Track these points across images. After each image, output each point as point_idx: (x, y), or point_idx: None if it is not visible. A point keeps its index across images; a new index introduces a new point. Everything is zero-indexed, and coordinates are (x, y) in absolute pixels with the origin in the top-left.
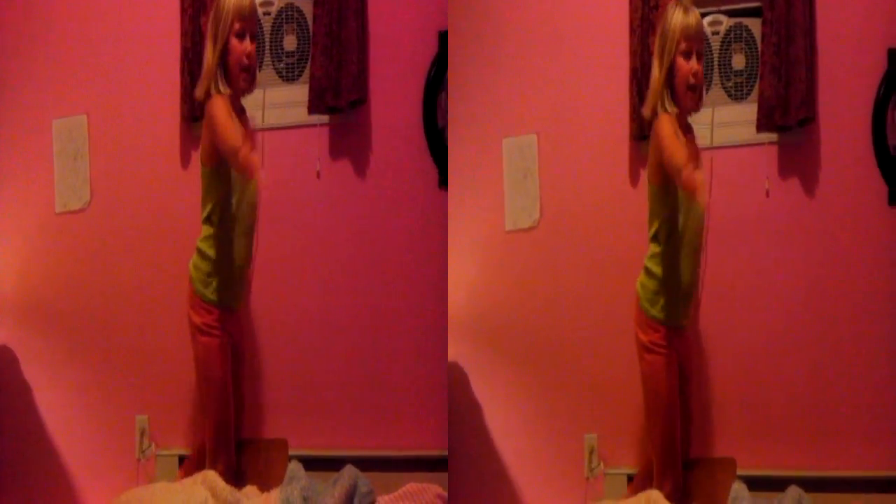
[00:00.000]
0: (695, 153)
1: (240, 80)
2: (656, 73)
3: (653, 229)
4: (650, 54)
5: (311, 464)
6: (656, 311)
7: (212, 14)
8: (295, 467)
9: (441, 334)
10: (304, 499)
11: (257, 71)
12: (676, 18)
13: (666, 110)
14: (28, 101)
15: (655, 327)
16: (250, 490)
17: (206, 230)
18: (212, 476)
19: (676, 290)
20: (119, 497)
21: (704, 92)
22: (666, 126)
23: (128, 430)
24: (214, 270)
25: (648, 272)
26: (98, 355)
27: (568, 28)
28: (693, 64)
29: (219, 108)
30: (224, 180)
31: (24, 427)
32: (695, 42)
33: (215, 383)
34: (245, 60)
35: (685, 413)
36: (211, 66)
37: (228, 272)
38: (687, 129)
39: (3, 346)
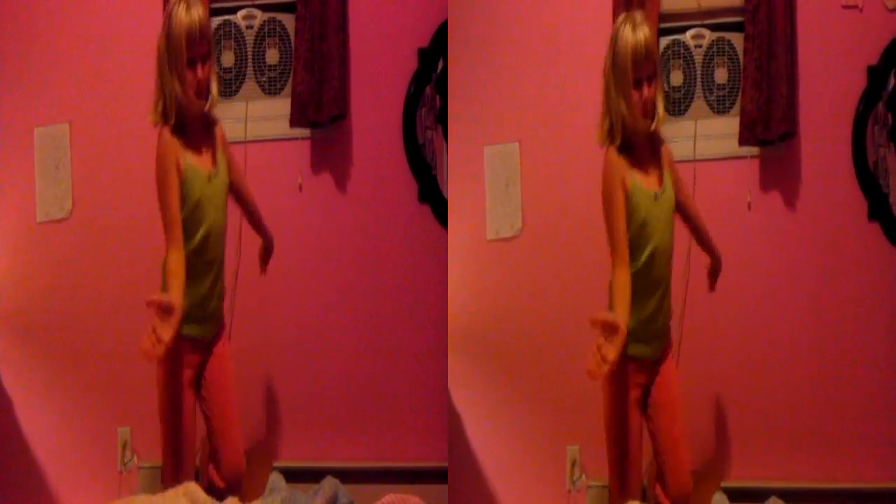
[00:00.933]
0: (661, 172)
1: (199, 105)
2: (617, 104)
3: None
4: None
5: (295, 475)
6: None
7: (163, 39)
8: (276, 478)
9: (440, 345)
10: None
11: (214, 89)
12: (625, 42)
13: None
14: (9, 110)
15: None
16: (232, 502)
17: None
18: (193, 488)
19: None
20: None
21: (660, 107)
22: (610, 168)
23: (110, 441)
24: None
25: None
26: (80, 366)
27: (551, 36)
28: (645, 92)
29: (162, 151)
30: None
31: (4, 439)
32: (645, 67)
33: (172, 404)
34: (200, 87)
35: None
36: (178, 94)
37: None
38: (653, 145)
39: None
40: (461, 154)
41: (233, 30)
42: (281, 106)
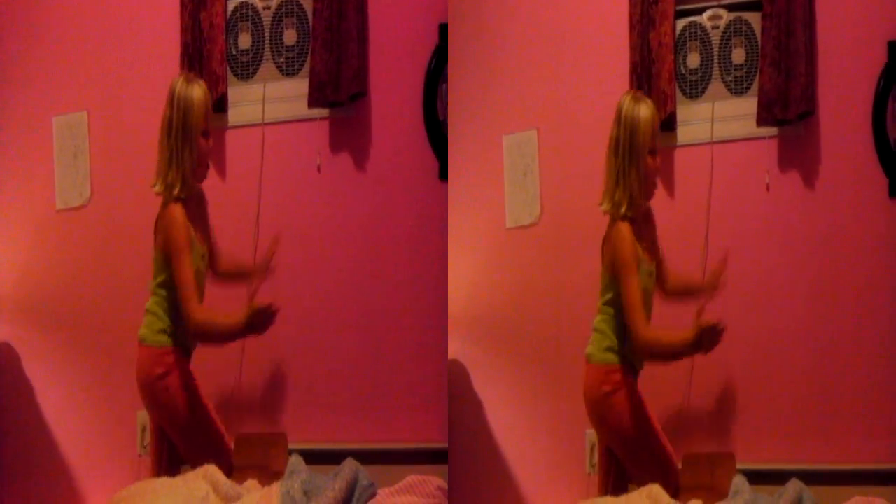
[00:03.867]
0: (654, 246)
1: (201, 175)
2: (633, 176)
3: (605, 298)
4: (650, 50)
5: (311, 457)
6: (612, 357)
7: (177, 109)
8: (296, 461)
9: (441, 329)
10: (305, 492)
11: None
12: (643, 114)
13: (627, 216)
14: (28, 99)
15: (614, 370)
16: (251, 484)
17: (159, 294)
18: (213, 470)
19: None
20: (120, 492)
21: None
22: (628, 242)
23: (129, 425)
24: (170, 323)
25: (601, 333)
26: (99, 352)
27: (568, 23)
28: (657, 161)
29: (187, 259)
30: None
31: (25, 424)
32: (655, 140)
33: (204, 409)
34: (205, 160)
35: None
36: (188, 167)
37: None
38: (647, 216)
39: (5, 343)
40: (478, 142)
41: (249, 11)
42: (299, 87)
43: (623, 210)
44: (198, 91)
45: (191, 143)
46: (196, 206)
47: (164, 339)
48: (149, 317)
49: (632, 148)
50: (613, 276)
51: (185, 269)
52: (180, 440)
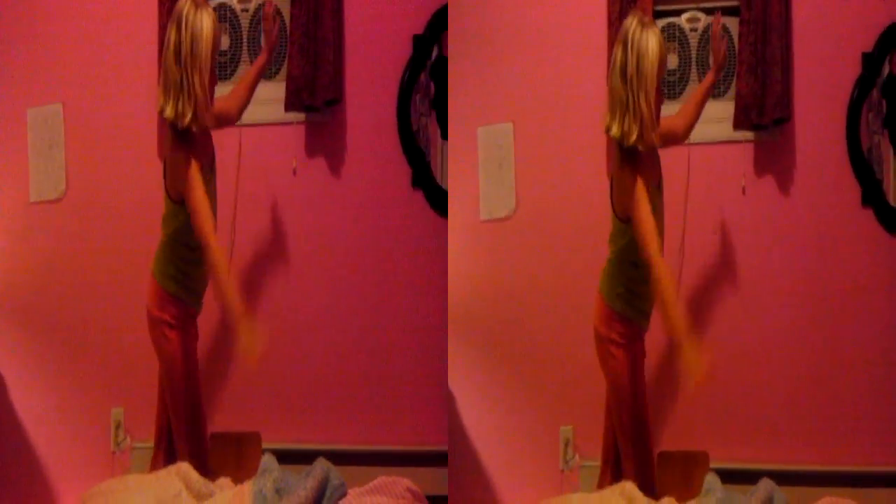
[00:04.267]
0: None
1: (208, 110)
2: (643, 103)
3: (612, 248)
4: None
5: (288, 457)
6: (620, 305)
7: (185, 34)
8: (268, 460)
9: (436, 327)
10: (277, 490)
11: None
12: (651, 43)
13: (637, 149)
14: (2, 90)
15: (620, 320)
16: (224, 482)
17: (167, 242)
18: (185, 468)
19: (641, 288)
20: (93, 489)
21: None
22: (644, 199)
23: (103, 422)
24: (181, 271)
25: (611, 272)
26: (73, 347)
27: (545, 17)
28: (661, 98)
29: (198, 184)
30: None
31: None
32: (664, 67)
33: (190, 376)
34: (214, 92)
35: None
36: (200, 95)
37: (194, 272)
38: (654, 153)
39: None
40: (456, 135)
41: (228, 13)
42: (276, 90)
43: (633, 139)
44: (206, 19)
45: (201, 71)
46: (204, 140)
47: (173, 288)
48: (158, 253)
49: (639, 73)
50: (623, 224)
51: (201, 204)
52: (167, 386)
